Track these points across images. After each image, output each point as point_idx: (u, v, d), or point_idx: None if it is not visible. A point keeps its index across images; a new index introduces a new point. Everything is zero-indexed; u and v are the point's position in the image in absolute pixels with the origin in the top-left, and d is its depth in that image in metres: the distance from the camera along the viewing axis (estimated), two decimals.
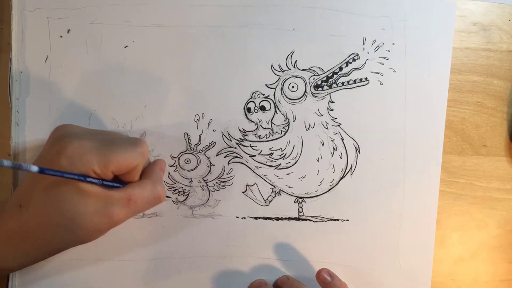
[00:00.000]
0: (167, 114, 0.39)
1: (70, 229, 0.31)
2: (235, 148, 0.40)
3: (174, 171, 0.40)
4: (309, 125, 0.40)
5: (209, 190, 0.40)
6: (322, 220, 0.41)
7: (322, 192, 0.41)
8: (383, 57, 0.40)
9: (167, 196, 0.40)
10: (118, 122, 0.39)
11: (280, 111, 0.40)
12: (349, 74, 0.40)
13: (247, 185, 0.41)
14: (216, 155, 0.40)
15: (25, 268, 0.39)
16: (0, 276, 0.39)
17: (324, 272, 0.39)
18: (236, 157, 0.40)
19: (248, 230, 0.41)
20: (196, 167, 0.40)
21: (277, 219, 0.41)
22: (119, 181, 0.33)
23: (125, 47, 0.38)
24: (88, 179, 0.30)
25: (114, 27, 0.38)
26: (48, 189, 0.30)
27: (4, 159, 0.27)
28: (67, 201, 0.30)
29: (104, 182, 0.32)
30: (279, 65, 0.40)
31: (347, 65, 0.40)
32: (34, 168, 0.28)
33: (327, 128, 0.40)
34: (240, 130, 0.40)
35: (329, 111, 0.40)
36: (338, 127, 0.41)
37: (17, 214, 0.31)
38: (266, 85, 0.40)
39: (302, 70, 0.40)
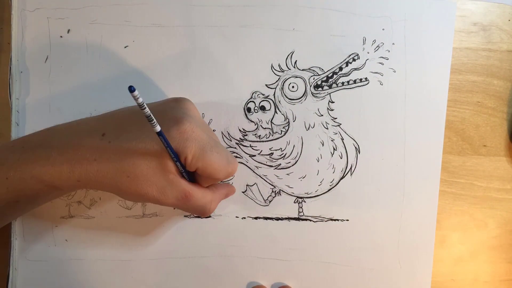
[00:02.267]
0: None
1: (129, 182, 0.31)
2: (235, 148, 0.40)
3: None
4: (309, 125, 0.40)
5: None
6: (322, 220, 0.41)
7: (322, 192, 0.41)
8: (383, 57, 0.40)
9: None
10: None
11: (280, 111, 0.40)
12: (349, 74, 0.40)
13: (247, 185, 0.41)
14: None
15: (25, 268, 0.39)
16: (2, 277, 0.39)
17: None
18: (236, 157, 0.40)
19: (248, 230, 0.41)
20: None
21: (277, 219, 0.41)
22: (192, 174, 0.34)
23: (125, 47, 0.38)
24: (177, 160, 0.31)
25: (114, 27, 0.38)
26: (137, 140, 0.31)
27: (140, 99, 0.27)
28: (145, 163, 0.31)
29: (184, 169, 0.32)
30: (279, 65, 0.40)
31: (347, 65, 0.40)
32: (157, 128, 0.28)
33: (327, 128, 0.40)
34: (240, 130, 0.40)
35: (329, 111, 0.40)
36: (338, 127, 0.41)
37: (97, 141, 0.31)
38: (266, 85, 0.40)
39: (302, 70, 0.40)
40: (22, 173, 0.31)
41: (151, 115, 0.28)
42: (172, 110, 0.32)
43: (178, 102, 0.34)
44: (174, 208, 0.40)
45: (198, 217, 0.41)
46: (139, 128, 0.31)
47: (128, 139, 0.31)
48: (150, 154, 0.31)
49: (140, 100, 0.26)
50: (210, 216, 0.40)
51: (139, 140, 0.31)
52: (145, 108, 0.27)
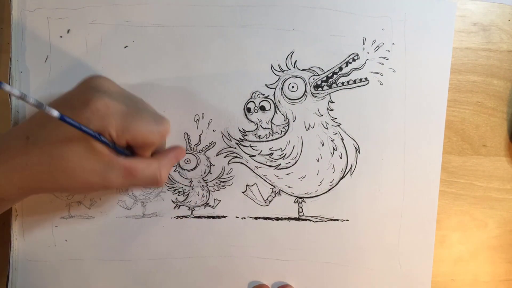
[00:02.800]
0: (167, 114, 0.39)
1: (66, 176, 0.31)
2: (235, 148, 0.40)
3: (174, 171, 0.40)
4: (309, 125, 0.40)
5: (209, 190, 0.40)
6: (322, 220, 0.41)
7: (322, 192, 0.41)
8: (383, 57, 0.40)
9: (168, 189, 0.40)
10: None
11: (280, 111, 0.40)
12: (349, 74, 0.40)
13: (247, 185, 0.41)
14: (216, 155, 0.40)
15: (25, 268, 0.39)
16: (2, 277, 0.39)
17: None
18: (236, 157, 0.40)
19: (248, 230, 0.41)
20: (196, 167, 0.40)
21: (277, 219, 0.41)
22: (130, 149, 0.33)
23: (125, 47, 0.38)
24: (102, 139, 0.30)
25: (114, 27, 0.38)
26: (59, 132, 0.30)
27: (26, 95, 0.26)
28: (73, 150, 0.30)
29: (115, 147, 0.31)
30: (279, 65, 0.40)
31: (347, 65, 0.40)
32: (55, 113, 0.28)
33: (327, 128, 0.40)
34: (240, 130, 0.40)
35: (329, 111, 0.40)
36: (338, 127, 0.41)
37: (23, 145, 0.31)
38: (266, 85, 0.40)
39: (302, 70, 0.40)
40: None
41: (38, 102, 0.27)
42: (80, 94, 0.32)
43: (84, 83, 0.33)
44: (177, 208, 0.40)
45: (196, 216, 0.40)
46: (58, 124, 0.31)
47: (50, 135, 0.31)
48: (73, 141, 0.30)
49: (16, 92, 0.26)
50: (176, 189, 0.39)
51: (60, 132, 0.30)
52: (26, 98, 0.26)
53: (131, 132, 0.31)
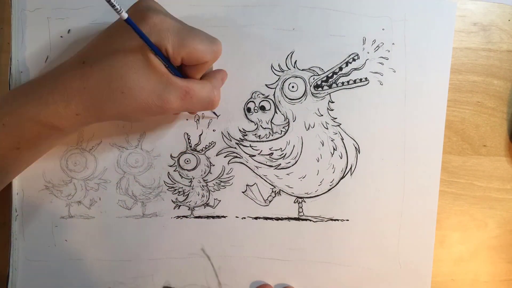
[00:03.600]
0: (167, 114, 0.39)
1: (125, 98, 0.30)
2: (235, 148, 0.40)
3: (174, 171, 0.40)
4: (309, 125, 0.40)
5: (209, 190, 0.40)
6: (322, 220, 0.41)
7: (322, 192, 0.41)
8: (383, 57, 0.40)
9: (168, 189, 0.40)
10: (118, 121, 0.39)
11: (280, 111, 0.40)
12: (349, 74, 0.40)
13: (247, 185, 0.41)
14: (216, 155, 0.40)
15: (25, 268, 0.39)
16: (2, 277, 0.39)
17: None
18: (236, 157, 0.40)
19: (248, 230, 0.41)
20: (196, 167, 0.40)
21: (277, 219, 0.41)
22: (180, 71, 0.33)
23: None
24: (159, 54, 0.30)
25: None
26: (117, 53, 0.30)
27: None
28: (132, 69, 0.30)
29: (169, 66, 0.31)
30: (279, 65, 0.40)
31: (347, 65, 0.40)
32: (124, 15, 0.27)
33: (327, 128, 0.40)
34: (240, 130, 0.40)
35: (329, 111, 0.40)
36: (338, 127, 0.41)
37: (80, 69, 0.31)
38: (266, 85, 0.40)
39: (302, 70, 0.40)
40: (18, 117, 0.30)
41: (111, 2, 0.27)
42: (135, 13, 0.31)
43: (136, 5, 0.32)
44: (177, 208, 0.40)
45: (196, 216, 0.40)
46: (114, 42, 0.30)
47: (107, 56, 0.30)
48: (132, 60, 0.30)
49: None
50: (216, 114, 0.37)
51: (117, 48, 0.30)
52: None
53: (187, 48, 0.30)
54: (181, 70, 0.33)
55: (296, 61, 0.40)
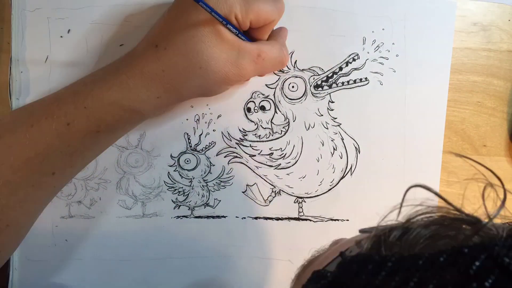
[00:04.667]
0: (167, 114, 0.39)
1: (204, 72, 0.31)
2: (235, 148, 0.40)
3: (174, 171, 0.40)
4: (309, 125, 0.40)
5: (209, 190, 0.40)
6: (322, 220, 0.41)
7: (322, 192, 0.41)
8: (383, 57, 0.40)
9: (168, 189, 0.40)
10: None
11: (280, 111, 0.40)
12: (349, 74, 0.40)
13: (247, 185, 0.41)
14: (216, 155, 0.40)
15: (25, 268, 0.39)
16: (2, 277, 0.39)
17: None
18: (236, 157, 0.40)
19: (248, 230, 0.41)
20: (196, 167, 0.40)
21: (277, 219, 0.41)
22: (249, 38, 0.33)
23: (120, 45, 0.38)
24: (228, 24, 0.30)
25: (114, 27, 0.38)
26: (187, 30, 0.31)
27: None
28: (205, 42, 0.31)
29: (239, 33, 0.32)
30: None
31: (347, 65, 0.40)
32: None
33: (327, 128, 0.40)
34: (240, 130, 0.40)
35: (329, 111, 0.40)
36: (338, 127, 0.41)
37: (154, 53, 0.31)
38: (266, 85, 0.40)
39: (302, 70, 0.40)
40: (100, 100, 0.31)
41: None
42: None
43: None
44: (177, 208, 0.40)
45: (196, 216, 0.40)
46: (182, 20, 0.31)
47: (177, 35, 0.31)
48: (204, 34, 0.30)
49: None
50: (283, 71, 0.39)
51: (186, 26, 0.30)
52: None
53: (254, 11, 0.31)
54: (249, 35, 0.33)
55: (296, 61, 0.40)
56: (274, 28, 0.35)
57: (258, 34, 0.34)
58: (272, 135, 0.40)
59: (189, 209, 0.41)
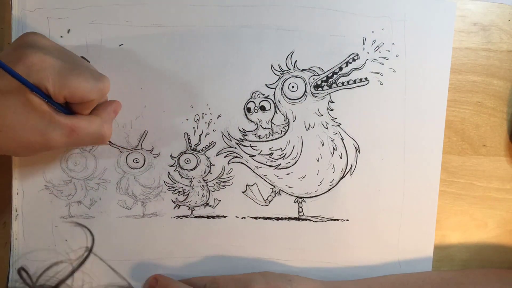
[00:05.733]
0: (167, 114, 0.39)
1: (5, 136, 0.30)
2: (235, 148, 0.40)
3: (174, 171, 0.40)
4: (309, 125, 0.40)
5: (209, 190, 0.40)
6: (322, 220, 0.41)
7: (322, 192, 0.41)
8: (383, 57, 0.40)
9: (168, 189, 0.40)
10: (118, 122, 0.39)
11: (280, 111, 0.40)
12: (349, 74, 0.40)
13: (247, 185, 0.41)
14: (216, 155, 0.40)
15: (26, 267, 0.39)
16: (2, 277, 0.39)
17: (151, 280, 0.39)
18: (236, 157, 0.40)
19: (248, 230, 0.41)
20: (196, 167, 0.40)
21: (277, 219, 0.41)
22: (67, 107, 0.33)
23: (120, 45, 0.38)
24: (38, 93, 0.29)
25: (114, 27, 0.38)
26: None
27: None
28: (11, 108, 0.30)
29: (52, 103, 0.31)
30: (279, 65, 0.40)
31: (347, 65, 0.40)
32: None
33: (327, 128, 0.40)
34: (240, 130, 0.40)
35: (329, 111, 0.40)
36: (338, 127, 0.41)
37: None
38: (266, 85, 0.40)
39: (302, 70, 0.40)
40: None
41: None
42: (15, 50, 0.31)
43: (18, 40, 0.32)
44: (177, 208, 0.40)
45: (196, 216, 0.40)
46: None
47: None
48: (11, 96, 0.29)
49: None
50: (114, 144, 0.39)
51: None
52: None
53: (69, 87, 0.30)
54: (69, 105, 0.32)
55: (296, 61, 0.40)
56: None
57: (78, 108, 0.32)
58: (272, 135, 0.40)
59: (189, 209, 0.41)
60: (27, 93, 0.30)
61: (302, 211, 0.41)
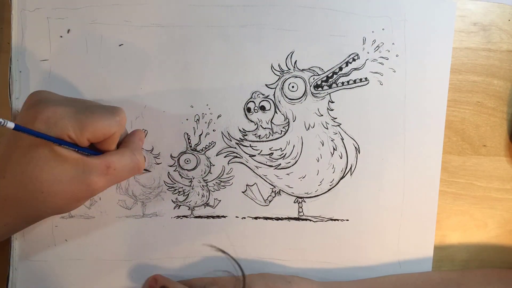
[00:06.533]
0: (167, 114, 0.39)
1: (47, 196, 0.30)
2: (235, 148, 0.40)
3: (174, 171, 0.40)
4: (309, 125, 0.40)
5: (209, 190, 0.40)
6: (322, 220, 0.41)
7: (322, 192, 0.41)
8: (383, 57, 0.40)
9: (168, 189, 0.40)
10: None
11: (280, 111, 0.40)
12: (349, 74, 0.40)
13: (247, 185, 0.41)
14: (216, 155, 0.40)
15: (25, 268, 0.39)
16: (2, 277, 0.39)
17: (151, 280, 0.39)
18: (236, 157, 0.40)
19: (248, 230, 0.41)
20: (196, 167, 0.40)
21: (277, 219, 0.41)
22: (96, 150, 0.33)
23: (120, 45, 0.38)
24: (64, 144, 0.30)
25: (114, 27, 0.38)
26: (24, 155, 0.30)
27: None
28: (44, 166, 0.30)
29: (80, 149, 0.31)
30: (279, 65, 0.40)
31: (347, 65, 0.40)
32: (11, 124, 0.27)
33: (327, 128, 0.40)
34: (240, 130, 0.40)
35: (329, 111, 0.40)
36: (338, 127, 0.41)
37: None
38: (266, 85, 0.40)
39: (302, 70, 0.40)
40: None
41: None
42: (28, 111, 0.31)
43: (27, 101, 0.32)
44: (177, 208, 0.40)
45: (196, 216, 0.40)
46: (16, 147, 0.30)
47: (14, 162, 0.30)
48: (36, 151, 0.30)
49: None
50: (148, 170, 0.39)
51: (21, 152, 0.30)
52: None
53: (89, 128, 0.30)
54: (95, 147, 0.33)
55: (296, 61, 0.40)
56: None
57: (104, 146, 0.32)
58: (272, 135, 0.40)
59: (189, 209, 0.41)
60: (53, 146, 0.30)
61: (302, 211, 0.41)
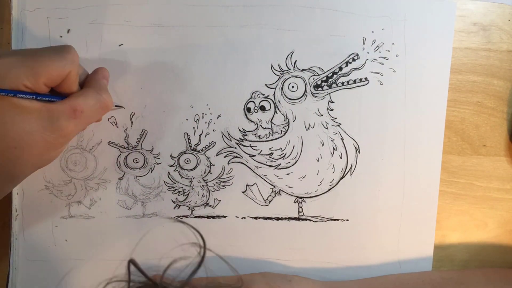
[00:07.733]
0: (167, 114, 0.39)
1: (21, 151, 0.29)
2: (235, 148, 0.40)
3: (174, 171, 0.40)
4: (309, 125, 0.40)
5: (209, 190, 0.40)
6: (322, 220, 0.41)
7: (322, 192, 0.41)
8: (383, 57, 0.40)
9: (168, 189, 0.40)
10: (118, 122, 0.39)
11: (280, 111, 0.40)
12: (349, 74, 0.40)
13: (247, 185, 0.41)
14: (216, 155, 0.40)
15: (25, 268, 0.39)
16: (2, 277, 0.39)
17: None
18: (236, 157, 0.40)
19: (248, 230, 0.41)
20: (196, 167, 0.40)
21: (277, 219, 0.41)
22: (59, 96, 0.32)
23: (119, 45, 0.38)
24: (20, 95, 0.28)
25: (114, 27, 0.38)
26: None
27: None
28: (9, 121, 0.29)
29: (41, 97, 0.30)
30: (279, 65, 0.40)
31: (347, 65, 0.40)
32: None
33: (327, 128, 0.40)
34: (240, 130, 0.40)
35: (329, 111, 0.40)
36: (338, 127, 0.41)
37: None
38: (266, 85, 0.40)
39: (302, 70, 0.40)
40: None
41: None
42: None
43: None
44: (177, 208, 0.40)
45: (196, 216, 0.40)
46: None
47: None
48: (0, 107, 0.28)
49: None
50: (120, 106, 0.38)
51: None
52: None
53: (42, 72, 0.29)
54: (57, 93, 0.32)
55: (296, 61, 0.40)
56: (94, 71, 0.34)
57: (65, 89, 0.31)
58: (272, 135, 0.40)
59: (189, 209, 0.41)
60: (13, 101, 0.29)
61: (302, 211, 0.41)
